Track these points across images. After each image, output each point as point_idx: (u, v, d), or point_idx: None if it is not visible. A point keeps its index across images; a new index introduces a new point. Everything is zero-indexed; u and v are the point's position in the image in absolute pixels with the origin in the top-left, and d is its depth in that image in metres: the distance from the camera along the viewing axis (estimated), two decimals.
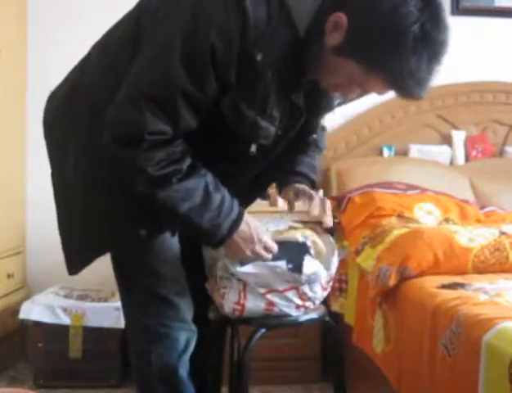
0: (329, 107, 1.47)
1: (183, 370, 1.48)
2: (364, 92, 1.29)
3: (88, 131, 1.35)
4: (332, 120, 3.15)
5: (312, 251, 1.45)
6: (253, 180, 1.51)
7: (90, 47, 1.45)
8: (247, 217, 1.36)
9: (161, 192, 1.25)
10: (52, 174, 1.47)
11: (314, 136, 1.54)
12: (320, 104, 1.44)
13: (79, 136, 1.37)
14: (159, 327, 1.45)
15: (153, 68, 1.22)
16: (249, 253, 1.37)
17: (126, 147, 1.22)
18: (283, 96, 1.29)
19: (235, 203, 1.34)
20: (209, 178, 1.30)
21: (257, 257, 1.38)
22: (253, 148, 1.34)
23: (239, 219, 1.34)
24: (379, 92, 1.27)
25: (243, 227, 1.35)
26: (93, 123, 1.33)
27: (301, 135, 1.46)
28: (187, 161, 1.27)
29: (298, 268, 1.41)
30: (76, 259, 1.42)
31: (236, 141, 1.32)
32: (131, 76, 1.24)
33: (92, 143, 1.33)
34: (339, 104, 1.48)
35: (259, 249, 1.38)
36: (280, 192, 1.62)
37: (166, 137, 1.23)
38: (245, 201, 1.49)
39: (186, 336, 1.48)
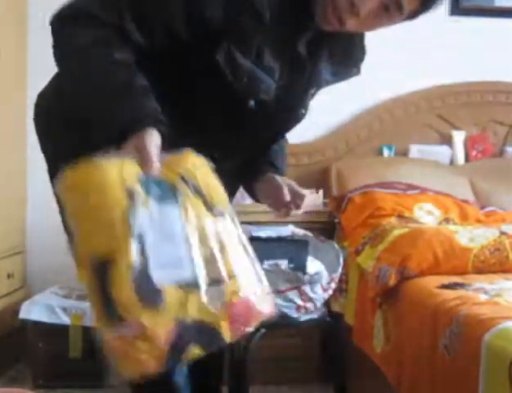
0: (321, 81, 1.38)
1: (179, 376, 1.41)
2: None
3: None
4: (332, 120, 3.20)
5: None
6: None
7: None
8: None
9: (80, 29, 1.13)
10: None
11: (303, 111, 1.42)
12: (317, 71, 1.34)
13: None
14: None
15: None
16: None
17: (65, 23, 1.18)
18: (282, 47, 1.22)
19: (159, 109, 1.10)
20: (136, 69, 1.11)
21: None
22: (252, 103, 1.25)
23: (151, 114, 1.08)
24: None
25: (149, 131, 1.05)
26: None
27: (296, 102, 1.38)
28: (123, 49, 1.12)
29: (301, 267, 1.41)
30: None
31: (235, 96, 1.23)
32: None
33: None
34: (330, 82, 1.40)
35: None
36: (253, 188, 1.45)
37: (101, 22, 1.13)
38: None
39: None
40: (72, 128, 1.23)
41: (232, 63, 1.18)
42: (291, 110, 1.40)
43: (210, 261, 0.99)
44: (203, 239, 1.00)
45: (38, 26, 3.03)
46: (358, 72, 1.41)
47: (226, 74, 1.19)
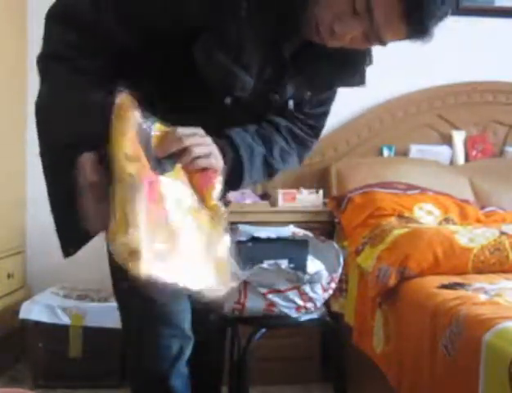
0: (317, 85, 1.33)
1: (176, 380, 1.38)
2: (366, 19, 1.12)
3: None
4: (332, 120, 3.19)
5: None
6: None
7: None
8: None
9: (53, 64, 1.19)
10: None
11: (290, 102, 1.33)
12: (310, 75, 1.29)
13: None
14: (149, 335, 1.36)
15: None
16: None
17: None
18: (264, 45, 1.19)
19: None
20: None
21: None
22: (228, 100, 1.22)
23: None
24: (386, 17, 1.13)
25: None
26: None
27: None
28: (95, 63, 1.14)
29: (301, 267, 1.41)
30: (72, 236, 1.27)
31: (210, 91, 1.20)
32: None
33: None
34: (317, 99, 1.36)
35: None
36: None
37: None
38: None
39: (178, 344, 1.37)
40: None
41: (209, 59, 1.15)
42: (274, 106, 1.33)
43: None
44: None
45: (38, 26, 3.03)
46: (362, 82, 1.35)
47: (202, 69, 1.16)
